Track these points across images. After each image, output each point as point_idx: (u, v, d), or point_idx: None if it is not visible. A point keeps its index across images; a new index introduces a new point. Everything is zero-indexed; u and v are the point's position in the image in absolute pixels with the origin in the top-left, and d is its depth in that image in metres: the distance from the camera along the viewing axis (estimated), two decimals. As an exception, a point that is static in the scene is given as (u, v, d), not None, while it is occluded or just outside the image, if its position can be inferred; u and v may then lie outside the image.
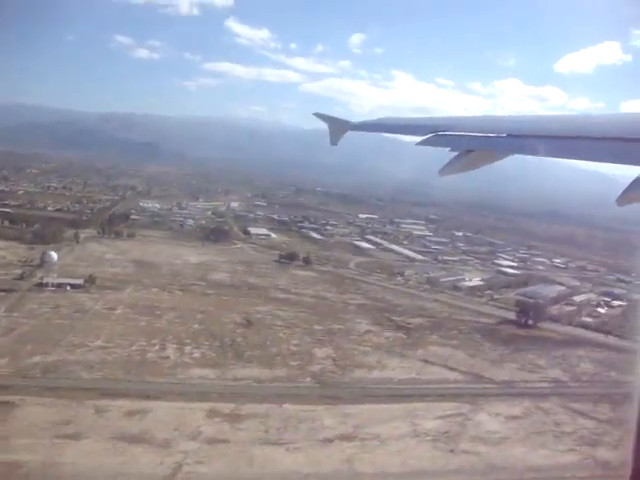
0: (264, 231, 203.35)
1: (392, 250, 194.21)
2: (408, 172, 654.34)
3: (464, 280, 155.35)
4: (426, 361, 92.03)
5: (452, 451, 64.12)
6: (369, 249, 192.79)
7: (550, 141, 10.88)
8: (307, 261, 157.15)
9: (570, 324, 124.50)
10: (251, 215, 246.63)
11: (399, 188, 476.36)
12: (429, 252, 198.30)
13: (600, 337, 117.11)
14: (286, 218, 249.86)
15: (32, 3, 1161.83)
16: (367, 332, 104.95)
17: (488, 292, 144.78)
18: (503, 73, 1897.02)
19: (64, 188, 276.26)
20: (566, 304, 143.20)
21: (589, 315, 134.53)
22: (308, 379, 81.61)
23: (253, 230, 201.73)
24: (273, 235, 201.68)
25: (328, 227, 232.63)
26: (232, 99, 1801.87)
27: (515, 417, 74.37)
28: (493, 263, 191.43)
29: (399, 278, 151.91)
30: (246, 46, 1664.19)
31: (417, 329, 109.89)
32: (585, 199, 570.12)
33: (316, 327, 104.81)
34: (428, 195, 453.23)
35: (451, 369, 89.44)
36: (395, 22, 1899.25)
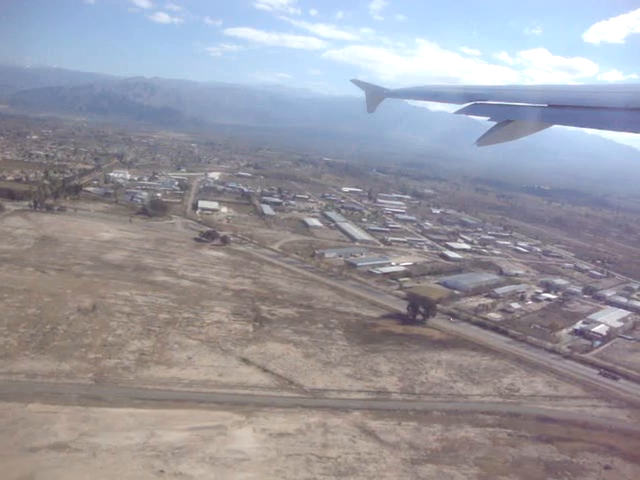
0: (214, 205, 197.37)
1: (341, 229, 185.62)
2: (431, 142, 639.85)
3: (388, 265, 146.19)
4: (246, 360, 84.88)
5: (162, 471, 57.76)
6: (316, 227, 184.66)
7: (592, 112, 10.82)
8: (225, 240, 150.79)
9: (468, 320, 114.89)
10: (220, 187, 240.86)
11: (412, 160, 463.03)
12: (382, 232, 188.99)
13: (489, 338, 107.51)
14: (258, 190, 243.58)
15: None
16: (214, 323, 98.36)
17: (404, 280, 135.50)
18: (530, 42, 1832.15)
19: (47, 156, 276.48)
20: (487, 296, 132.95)
21: (502, 310, 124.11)
22: (90, 375, 75.93)
23: (203, 204, 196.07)
24: (223, 210, 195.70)
25: (292, 202, 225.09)
26: (256, 66, 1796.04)
27: (283, 435, 66.84)
28: (445, 245, 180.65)
29: (315, 261, 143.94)
30: (266, 11, 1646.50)
31: (278, 321, 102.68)
32: (615, 175, 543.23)
33: (162, 316, 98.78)
34: (440, 168, 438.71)
35: (266, 371, 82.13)
36: None
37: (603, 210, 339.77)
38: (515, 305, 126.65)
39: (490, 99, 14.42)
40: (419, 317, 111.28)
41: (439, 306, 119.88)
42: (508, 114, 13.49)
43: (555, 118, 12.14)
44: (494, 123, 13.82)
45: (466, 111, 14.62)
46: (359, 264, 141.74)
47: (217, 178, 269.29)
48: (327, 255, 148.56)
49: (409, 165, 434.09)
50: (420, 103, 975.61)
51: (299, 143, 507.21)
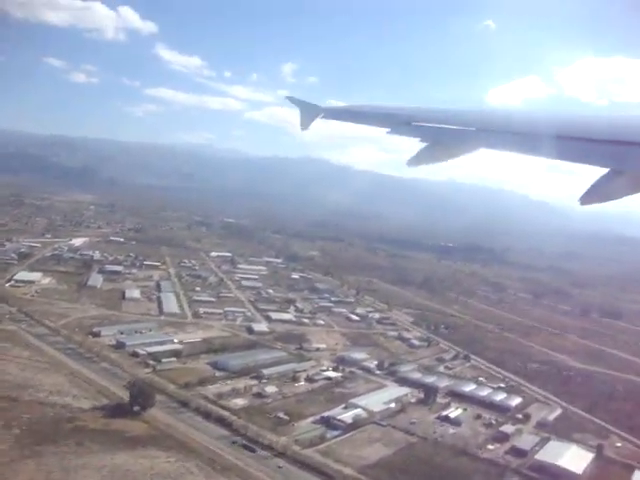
0: (35, 277, 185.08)
1: (159, 300, 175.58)
2: (352, 200, 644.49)
3: (167, 342, 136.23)
4: None
5: None
6: (132, 299, 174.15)
7: (516, 137, 11.94)
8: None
9: (197, 410, 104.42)
10: (68, 255, 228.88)
11: (322, 219, 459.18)
12: (208, 302, 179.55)
13: (202, 433, 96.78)
14: (111, 257, 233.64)
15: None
16: None
17: (170, 360, 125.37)
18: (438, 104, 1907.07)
19: None
20: (254, 377, 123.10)
21: (255, 394, 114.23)
22: None
23: (21, 275, 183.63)
24: (44, 281, 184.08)
25: (135, 270, 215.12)
26: (180, 126, 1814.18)
27: None
28: (266, 316, 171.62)
29: (79, 341, 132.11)
30: (181, 73, 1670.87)
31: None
32: (524, 229, 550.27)
33: None
34: (347, 227, 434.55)
35: None
36: (322, 52, 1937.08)
37: (492, 266, 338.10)
38: (271, 389, 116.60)
39: (423, 121, 14.94)
40: (137, 408, 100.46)
41: (182, 392, 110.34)
42: (438, 136, 14.09)
43: (481, 142, 12.70)
44: (425, 144, 14.16)
45: (399, 132, 15.07)
46: (128, 343, 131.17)
47: (78, 245, 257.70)
48: (104, 333, 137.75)
49: (315, 225, 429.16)
50: (344, 162, 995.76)
51: (212, 204, 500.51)
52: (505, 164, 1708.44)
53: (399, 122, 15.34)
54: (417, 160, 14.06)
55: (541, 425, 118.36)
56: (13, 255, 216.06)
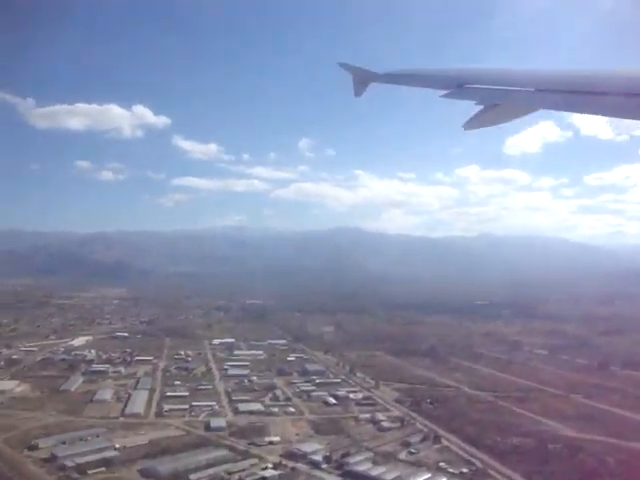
0: (10, 385, 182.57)
1: (128, 399, 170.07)
2: (388, 265, 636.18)
3: (107, 449, 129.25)
4: None
5: None
6: (101, 401, 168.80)
7: (577, 97, 11.40)
8: None
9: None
10: (58, 358, 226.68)
11: (353, 289, 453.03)
12: (179, 397, 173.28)
13: None
14: (104, 355, 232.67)
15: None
16: None
17: (98, 470, 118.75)
18: (459, 161, 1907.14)
19: None
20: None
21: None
22: None
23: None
24: (18, 389, 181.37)
25: (122, 368, 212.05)
26: (211, 211, 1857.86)
27: None
28: (235, 408, 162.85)
29: (15, 456, 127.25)
30: (203, 160, 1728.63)
31: None
32: (564, 275, 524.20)
33: None
34: (378, 295, 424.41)
35: None
36: (337, 123, 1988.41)
37: (516, 322, 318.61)
38: None
39: (477, 83, 14.45)
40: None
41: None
42: (495, 98, 13.63)
43: (541, 102, 12.40)
44: (480, 107, 13.91)
45: (453, 95, 14.62)
46: (60, 455, 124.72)
47: (78, 345, 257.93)
48: (43, 445, 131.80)
49: (343, 298, 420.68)
50: (376, 228, 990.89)
51: (242, 286, 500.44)
52: (539, 209, 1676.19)
53: (453, 85, 14.86)
54: (474, 123, 13.86)
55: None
56: (1, 363, 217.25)
